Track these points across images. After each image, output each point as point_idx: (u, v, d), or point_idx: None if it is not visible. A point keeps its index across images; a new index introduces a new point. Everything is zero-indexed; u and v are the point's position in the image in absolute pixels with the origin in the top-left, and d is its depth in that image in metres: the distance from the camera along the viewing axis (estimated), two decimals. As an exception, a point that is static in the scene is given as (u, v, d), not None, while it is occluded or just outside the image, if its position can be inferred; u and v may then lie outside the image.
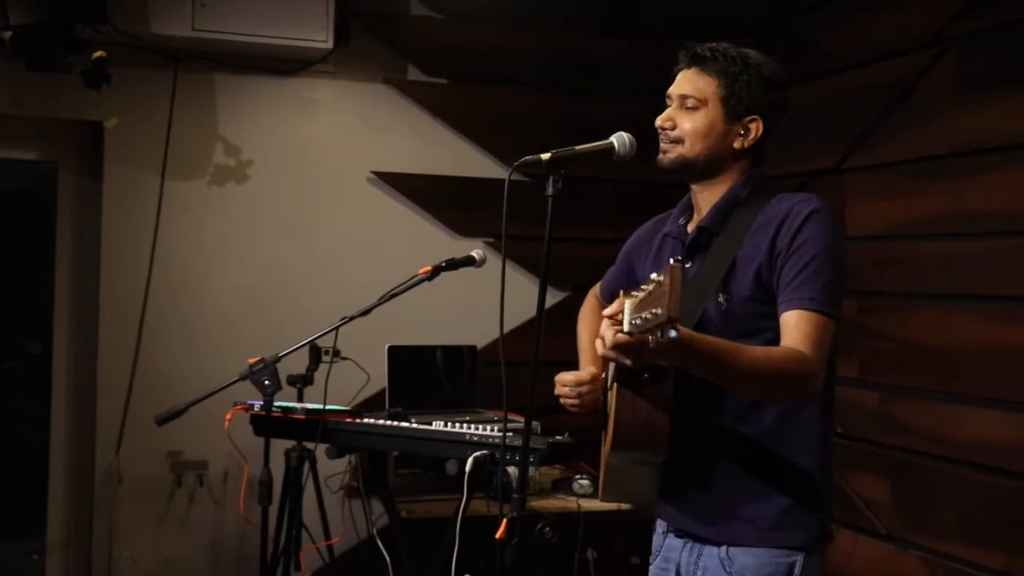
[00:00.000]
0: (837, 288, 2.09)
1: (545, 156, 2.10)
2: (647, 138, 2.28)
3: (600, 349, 1.86)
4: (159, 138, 4.29)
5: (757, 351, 2.00)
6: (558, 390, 2.28)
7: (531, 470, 2.94)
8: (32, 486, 4.58)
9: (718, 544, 2.18)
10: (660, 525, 2.37)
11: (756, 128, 2.22)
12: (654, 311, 1.68)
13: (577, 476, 3.93)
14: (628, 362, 1.83)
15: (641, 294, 1.76)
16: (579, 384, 2.26)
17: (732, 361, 1.95)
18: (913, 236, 3.62)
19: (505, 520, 2.01)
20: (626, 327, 1.77)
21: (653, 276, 1.72)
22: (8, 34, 3.58)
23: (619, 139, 2.18)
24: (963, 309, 3.41)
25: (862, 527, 3.75)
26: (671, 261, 1.70)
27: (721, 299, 2.14)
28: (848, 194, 3.89)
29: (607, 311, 1.86)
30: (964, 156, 3.42)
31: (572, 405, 2.28)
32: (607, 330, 1.83)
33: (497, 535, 1.98)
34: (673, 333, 1.67)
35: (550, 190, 2.10)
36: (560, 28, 4.77)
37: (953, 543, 3.39)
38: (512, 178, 2.14)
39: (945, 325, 3.47)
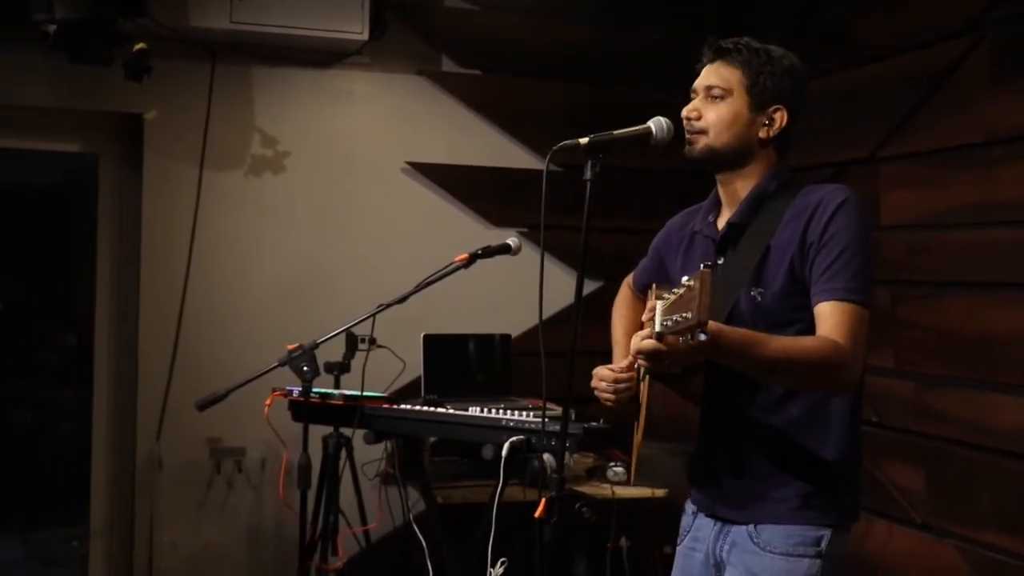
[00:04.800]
0: (868, 277, 2.13)
1: (583, 140, 2.12)
2: (678, 128, 2.30)
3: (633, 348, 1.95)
4: (197, 130, 4.34)
5: (787, 340, 2.05)
6: (595, 383, 2.31)
7: (566, 456, 2.96)
8: (70, 474, 4.66)
9: (746, 524, 2.23)
10: (690, 506, 2.42)
11: (780, 118, 2.25)
12: (684, 315, 1.76)
13: (611, 464, 3.94)
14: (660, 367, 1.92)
15: (672, 297, 1.83)
16: (617, 381, 2.29)
17: (760, 351, 2.00)
18: (947, 225, 3.61)
19: (544, 499, 2.04)
20: (657, 328, 1.83)
21: (684, 280, 1.80)
22: (53, 28, 3.64)
23: (656, 124, 2.20)
24: (997, 297, 3.40)
25: (897, 516, 3.75)
26: (702, 266, 1.76)
27: (754, 292, 2.18)
28: (883, 183, 3.88)
29: (643, 317, 1.95)
30: (999, 145, 3.40)
31: (608, 400, 2.31)
32: (636, 338, 1.95)
33: (536, 514, 2.01)
34: (703, 336, 1.74)
35: (588, 174, 2.11)
36: (593, 20, 4.78)
37: (989, 532, 3.39)
38: (549, 167, 2.15)
39: (979, 314, 3.46)
